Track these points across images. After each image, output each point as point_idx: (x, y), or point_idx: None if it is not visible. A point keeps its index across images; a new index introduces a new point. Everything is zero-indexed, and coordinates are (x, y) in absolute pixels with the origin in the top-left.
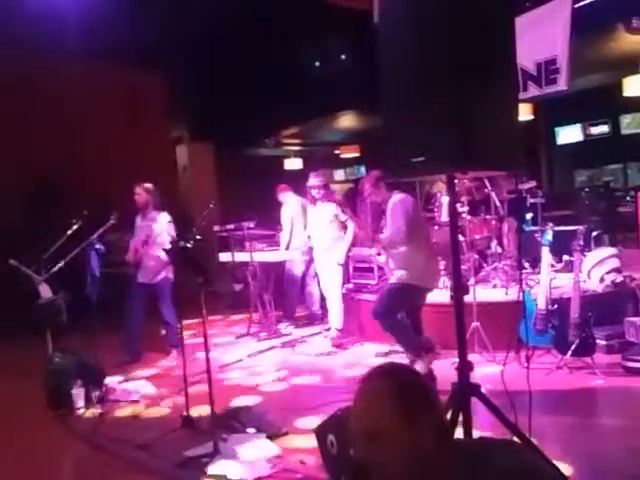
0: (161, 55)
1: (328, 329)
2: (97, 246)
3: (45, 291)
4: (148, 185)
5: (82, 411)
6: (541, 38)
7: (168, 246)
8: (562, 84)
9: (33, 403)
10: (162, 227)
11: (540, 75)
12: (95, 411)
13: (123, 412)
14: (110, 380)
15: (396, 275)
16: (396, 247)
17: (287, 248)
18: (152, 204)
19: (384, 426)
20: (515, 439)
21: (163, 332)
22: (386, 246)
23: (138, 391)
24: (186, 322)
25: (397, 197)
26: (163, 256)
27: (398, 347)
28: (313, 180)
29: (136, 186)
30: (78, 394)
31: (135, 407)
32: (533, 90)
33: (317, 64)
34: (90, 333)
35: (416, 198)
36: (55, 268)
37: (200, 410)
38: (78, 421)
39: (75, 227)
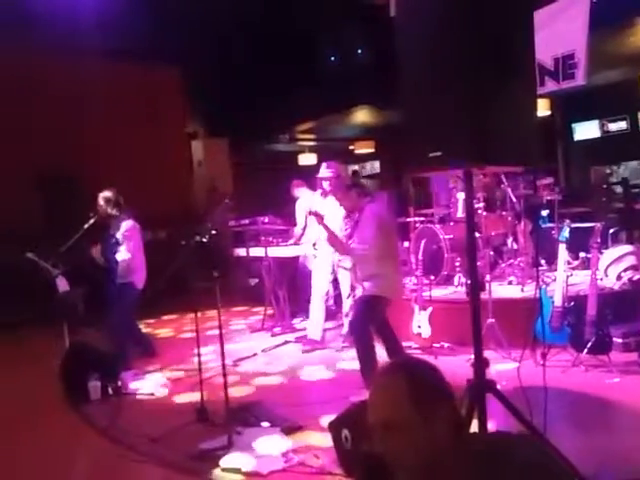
0: (177, 52)
1: (341, 324)
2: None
3: (62, 284)
4: (108, 194)
5: (98, 403)
6: (559, 33)
7: (124, 256)
8: (580, 79)
9: (50, 395)
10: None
11: (558, 70)
12: (111, 404)
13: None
14: (126, 373)
15: (365, 288)
16: (368, 261)
17: (299, 243)
18: (116, 212)
19: (400, 419)
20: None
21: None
22: (359, 260)
23: (153, 384)
24: (201, 316)
25: (371, 208)
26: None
27: (413, 343)
28: (324, 171)
29: (99, 194)
30: (94, 387)
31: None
32: (551, 85)
33: (333, 59)
34: (107, 326)
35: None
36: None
37: (214, 403)
38: (94, 413)
39: (92, 221)
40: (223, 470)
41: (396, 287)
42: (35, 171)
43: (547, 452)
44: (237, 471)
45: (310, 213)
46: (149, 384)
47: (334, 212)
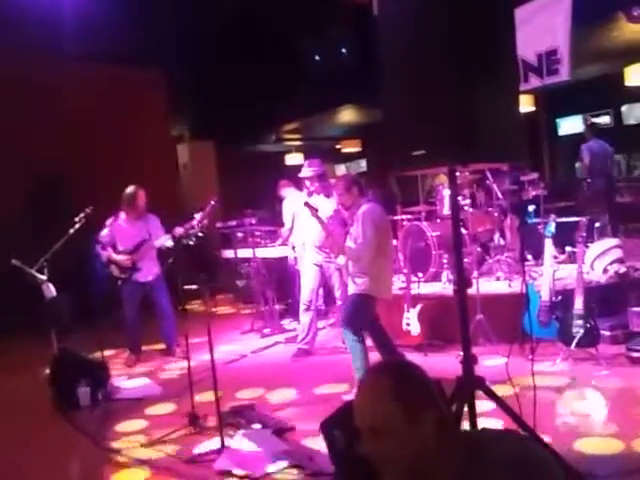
0: (160, 54)
1: (332, 324)
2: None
3: (48, 290)
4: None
5: (88, 410)
6: (541, 29)
7: (170, 243)
8: (564, 74)
9: (39, 403)
10: (159, 227)
11: (541, 66)
12: (101, 409)
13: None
14: (115, 379)
15: (356, 285)
16: (363, 259)
17: (287, 243)
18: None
19: (385, 422)
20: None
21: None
22: (352, 259)
23: (143, 389)
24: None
25: (367, 207)
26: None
27: (402, 341)
28: (305, 171)
29: (140, 190)
30: (84, 393)
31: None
32: (534, 81)
33: (317, 58)
34: (95, 332)
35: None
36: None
37: (206, 407)
38: (84, 420)
39: (77, 226)
40: (216, 474)
41: (387, 287)
42: (19, 173)
43: (534, 447)
44: (230, 474)
45: (305, 204)
46: (139, 389)
47: (320, 212)
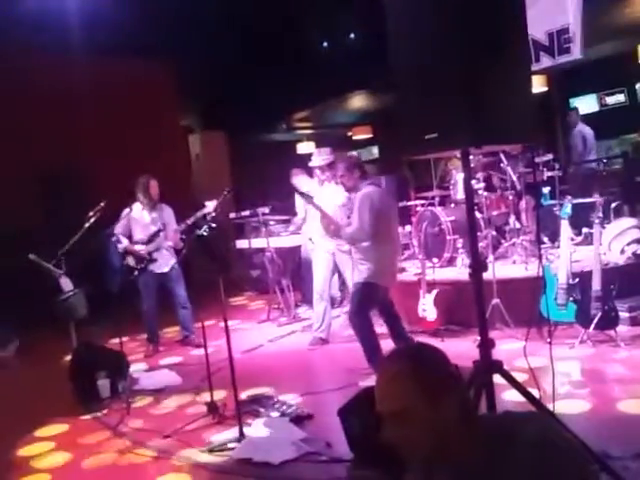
0: (170, 46)
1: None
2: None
3: (66, 284)
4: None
5: (108, 401)
6: (552, 7)
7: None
8: (576, 53)
9: (60, 395)
10: (172, 217)
11: (552, 45)
12: (121, 401)
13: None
14: (134, 370)
15: (360, 272)
16: (358, 243)
17: (299, 232)
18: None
19: (407, 407)
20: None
21: None
22: (347, 241)
23: (162, 380)
24: (206, 309)
25: (365, 190)
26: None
27: (419, 327)
28: (315, 160)
29: (152, 179)
30: (104, 385)
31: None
32: (546, 61)
33: (325, 45)
34: (113, 324)
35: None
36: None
37: (224, 396)
38: (105, 411)
39: (93, 219)
40: (235, 462)
41: (390, 273)
42: (32, 170)
43: (555, 429)
44: (249, 462)
45: (299, 194)
46: (158, 380)
47: (331, 200)
